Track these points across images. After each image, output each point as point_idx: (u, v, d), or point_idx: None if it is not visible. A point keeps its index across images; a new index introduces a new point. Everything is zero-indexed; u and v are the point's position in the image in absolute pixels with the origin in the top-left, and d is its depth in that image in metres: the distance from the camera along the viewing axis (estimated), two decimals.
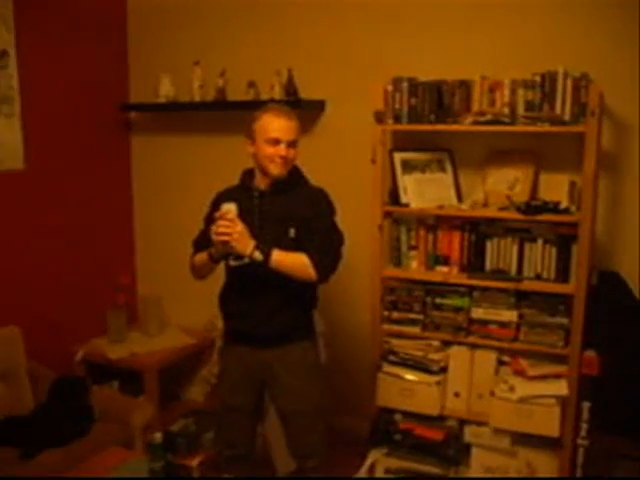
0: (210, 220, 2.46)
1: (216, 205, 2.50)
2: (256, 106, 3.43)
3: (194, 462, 3.23)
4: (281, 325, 2.52)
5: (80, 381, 3.12)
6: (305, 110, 3.37)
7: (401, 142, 3.15)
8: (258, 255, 2.32)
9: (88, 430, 2.91)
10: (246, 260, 2.36)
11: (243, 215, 2.39)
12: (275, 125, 2.40)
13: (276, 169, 2.42)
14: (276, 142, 2.39)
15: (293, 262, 2.39)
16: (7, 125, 3.25)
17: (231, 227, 2.29)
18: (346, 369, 3.50)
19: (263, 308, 2.49)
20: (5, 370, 3.02)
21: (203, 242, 2.52)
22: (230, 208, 2.32)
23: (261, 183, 2.50)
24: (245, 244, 2.32)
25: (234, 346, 2.61)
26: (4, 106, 3.22)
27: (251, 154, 2.48)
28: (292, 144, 2.43)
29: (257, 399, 2.68)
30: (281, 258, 2.36)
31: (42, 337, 3.36)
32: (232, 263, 2.43)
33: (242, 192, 2.52)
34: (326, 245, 2.45)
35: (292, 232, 2.44)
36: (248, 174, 2.58)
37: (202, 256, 2.51)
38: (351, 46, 3.35)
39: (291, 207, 2.46)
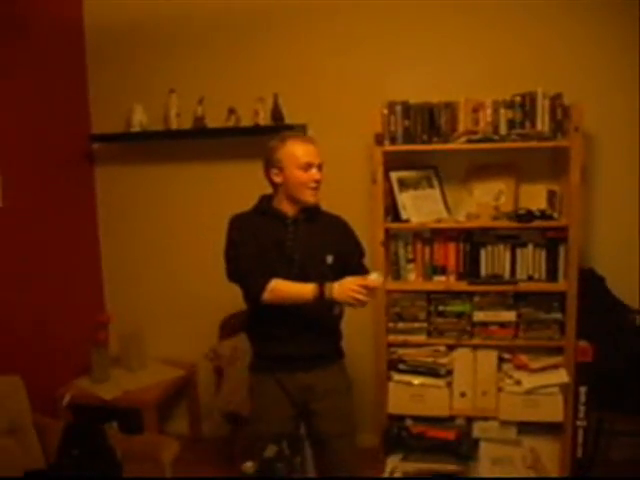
0: (250, 243, 2.44)
1: (241, 229, 2.48)
2: (238, 133, 3.53)
3: None
4: (324, 345, 2.58)
5: (95, 425, 2.98)
6: None
7: (391, 162, 3.32)
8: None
9: (119, 474, 2.80)
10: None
11: (272, 242, 2.45)
12: (304, 150, 2.42)
13: (312, 197, 2.45)
14: (309, 166, 2.42)
15: None
16: None
17: (366, 295, 2.35)
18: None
19: (306, 329, 2.51)
20: (12, 423, 2.83)
21: (263, 267, 2.43)
22: (380, 280, 2.39)
23: (288, 210, 2.48)
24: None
25: (271, 373, 2.56)
26: None
27: (278, 183, 2.46)
28: (321, 167, 2.47)
29: (296, 426, 2.66)
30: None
31: None
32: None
33: (267, 218, 2.50)
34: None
35: (330, 259, 2.50)
36: (267, 200, 2.55)
37: (297, 290, 2.40)
38: (334, 72, 3.49)
39: (325, 234, 2.52)
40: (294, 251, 2.47)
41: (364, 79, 3.44)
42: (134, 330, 3.73)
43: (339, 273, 2.46)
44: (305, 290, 2.37)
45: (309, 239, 2.50)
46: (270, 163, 2.46)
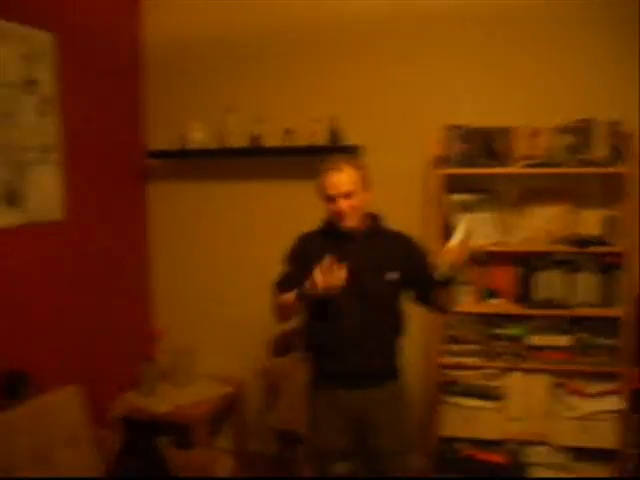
0: (296, 262, 2.57)
1: (299, 247, 2.62)
2: (294, 152, 3.57)
3: None
4: (379, 362, 2.60)
5: (152, 440, 3.00)
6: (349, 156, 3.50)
7: (447, 184, 3.34)
8: None
9: None
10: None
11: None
12: (329, 182, 2.49)
13: (344, 222, 2.51)
14: (331, 199, 2.50)
15: None
16: (51, 174, 3.12)
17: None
18: None
19: (362, 348, 2.54)
20: (72, 433, 2.85)
21: (289, 283, 2.53)
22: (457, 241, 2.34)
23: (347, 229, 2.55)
24: None
25: (329, 389, 2.61)
26: (51, 155, 3.10)
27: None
28: (348, 195, 2.48)
29: (354, 442, 2.65)
30: None
31: None
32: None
33: (328, 236, 2.57)
34: None
35: (393, 275, 2.54)
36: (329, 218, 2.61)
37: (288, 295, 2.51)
38: (392, 94, 3.53)
39: (387, 251, 2.57)
40: (351, 267, 2.46)
41: (422, 103, 3.48)
42: (184, 345, 3.75)
43: (409, 287, 2.57)
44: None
45: (367, 255, 2.55)
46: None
